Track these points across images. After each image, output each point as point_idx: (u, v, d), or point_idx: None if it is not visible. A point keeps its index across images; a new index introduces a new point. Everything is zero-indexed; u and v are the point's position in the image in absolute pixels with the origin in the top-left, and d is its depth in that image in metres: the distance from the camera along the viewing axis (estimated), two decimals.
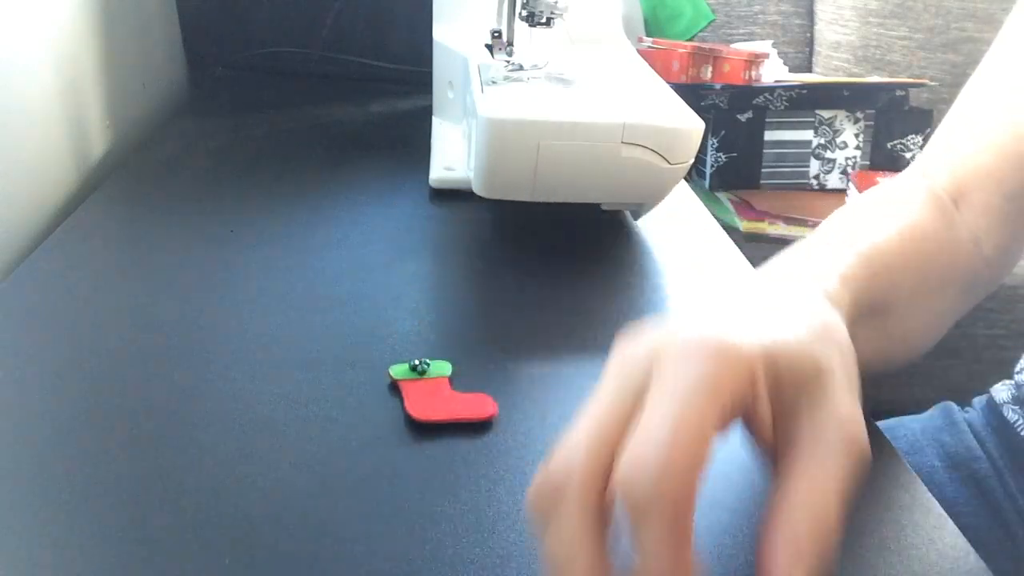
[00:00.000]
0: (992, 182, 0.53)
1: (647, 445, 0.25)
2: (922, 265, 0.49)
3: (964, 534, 0.42)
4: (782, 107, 1.17)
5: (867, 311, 0.42)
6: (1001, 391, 0.67)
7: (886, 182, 0.56)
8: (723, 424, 0.27)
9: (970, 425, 0.67)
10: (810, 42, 1.63)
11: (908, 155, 1.28)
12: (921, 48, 1.49)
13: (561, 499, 0.27)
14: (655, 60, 1.11)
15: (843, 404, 0.29)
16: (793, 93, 1.17)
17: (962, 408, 0.70)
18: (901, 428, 0.70)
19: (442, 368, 0.50)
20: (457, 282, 0.63)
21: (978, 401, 0.70)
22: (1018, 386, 0.65)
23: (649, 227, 0.73)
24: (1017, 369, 0.66)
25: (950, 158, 0.55)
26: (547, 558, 0.27)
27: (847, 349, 0.33)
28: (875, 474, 0.34)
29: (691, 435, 0.25)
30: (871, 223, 0.48)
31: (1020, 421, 0.64)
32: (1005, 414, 0.65)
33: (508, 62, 0.72)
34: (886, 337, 0.46)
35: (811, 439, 0.29)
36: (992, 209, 0.53)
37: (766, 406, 0.30)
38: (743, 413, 0.29)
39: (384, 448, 0.45)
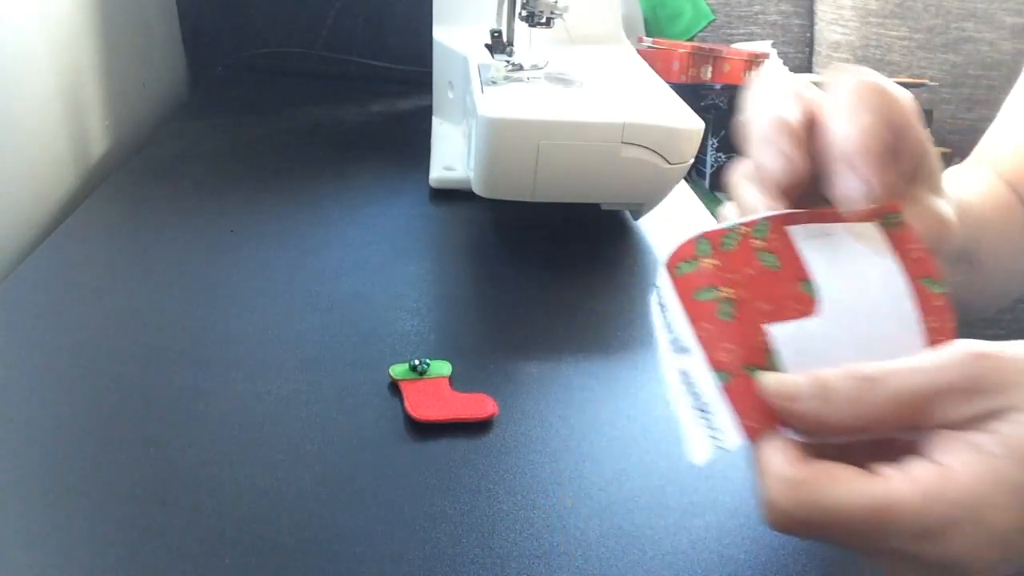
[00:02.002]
0: None
1: None
2: (1000, 226, 0.49)
3: None
4: None
5: (954, 256, 0.41)
6: None
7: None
8: None
9: None
10: (810, 42, 1.62)
11: None
12: (921, 48, 1.49)
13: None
14: (655, 60, 1.11)
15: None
16: None
17: None
18: None
19: (442, 368, 0.50)
20: (457, 282, 0.63)
21: None
22: None
23: (649, 227, 0.73)
24: None
25: (1013, 150, 0.55)
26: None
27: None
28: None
29: None
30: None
31: None
32: None
33: (508, 62, 0.72)
34: (970, 286, 0.46)
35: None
36: None
37: None
38: None
39: (384, 448, 0.45)
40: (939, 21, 1.47)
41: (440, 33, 0.86)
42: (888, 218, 0.32)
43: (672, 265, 0.32)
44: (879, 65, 1.53)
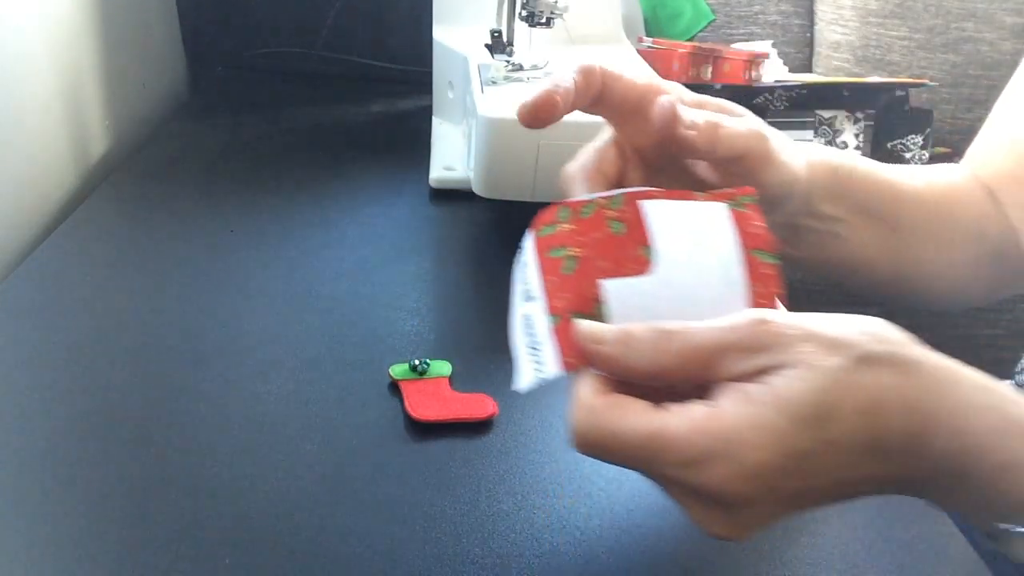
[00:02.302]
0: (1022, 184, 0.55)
1: None
2: (938, 208, 0.53)
3: (965, 535, 0.42)
4: (782, 107, 1.17)
5: (859, 209, 0.49)
6: None
7: None
8: None
9: None
10: (810, 42, 1.63)
11: (908, 155, 1.28)
12: (921, 48, 1.49)
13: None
14: (655, 60, 1.11)
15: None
16: (793, 93, 1.17)
17: None
18: None
19: (442, 368, 0.50)
20: (457, 282, 0.63)
21: None
22: (1018, 386, 0.65)
23: None
24: (1017, 369, 0.66)
25: (992, 154, 0.57)
26: None
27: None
28: None
29: None
30: (898, 168, 0.53)
31: None
32: None
33: (508, 62, 0.72)
34: (894, 250, 0.51)
35: None
36: None
37: None
38: None
39: (384, 448, 0.45)
40: (939, 21, 1.47)
41: (440, 33, 0.86)
42: (739, 200, 0.36)
43: (536, 227, 0.37)
44: (879, 65, 1.53)
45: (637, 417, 0.30)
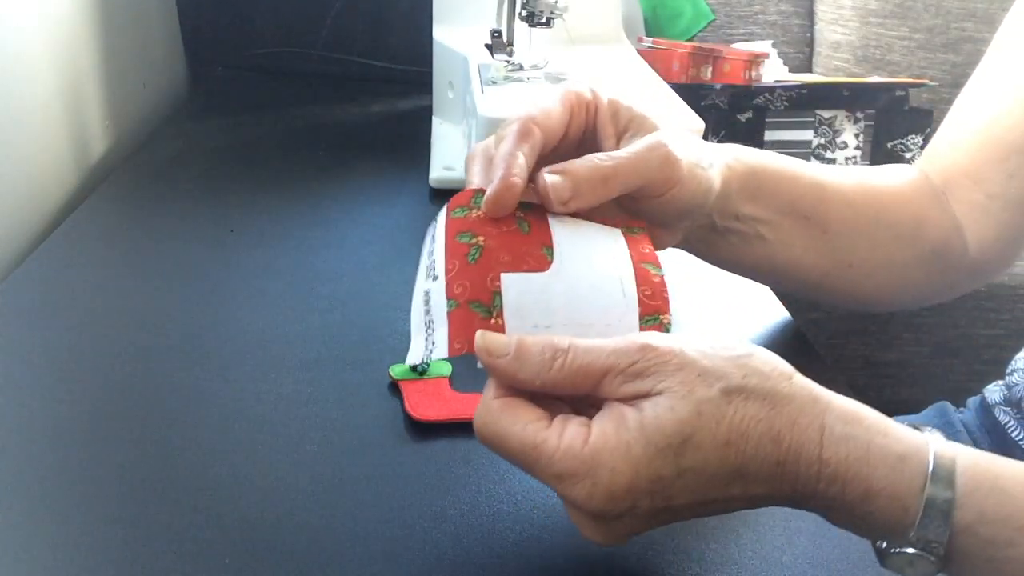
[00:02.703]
0: (972, 182, 0.55)
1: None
2: (870, 209, 0.53)
3: None
4: (782, 107, 1.17)
5: (785, 210, 0.50)
6: (994, 392, 0.66)
7: None
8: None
9: (965, 425, 0.67)
10: (810, 42, 1.63)
11: (908, 155, 1.28)
12: (921, 48, 1.49)
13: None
14: (655, 60, 1.11)
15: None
16: (793, 93, 1.17)
17: (957, 409, 0.70)
18: None
19: (442, 368, 0.50)
20: None
21: (972, 402, 0.69)
22: (1008, 387, 0.65)
23: None
24: (1008, 370, 0.66)
25: (942, 153, 0.58)
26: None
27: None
28: None
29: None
30: (828, 168, 0.54)
31: (1011, 423, 0.64)
32: (997, 415, 0.65)
33: (508, 62, 0.72)
34: (823, 251, 0.52)
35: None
36: (975, 205, 0.55)
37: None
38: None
39: (384, 448, 0.45)
40: (939, 21, 1.47)
41: (440, 33, 0.86)
42: (632, 228, 0.40)
43: (450, 207, 0.39)
44: (879, 65, 1.53)
45: (523, 427, 0.33)
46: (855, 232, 0.53)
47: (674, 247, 0.48)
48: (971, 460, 0.33)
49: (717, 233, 0.49)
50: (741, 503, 0.34)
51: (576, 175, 0.38)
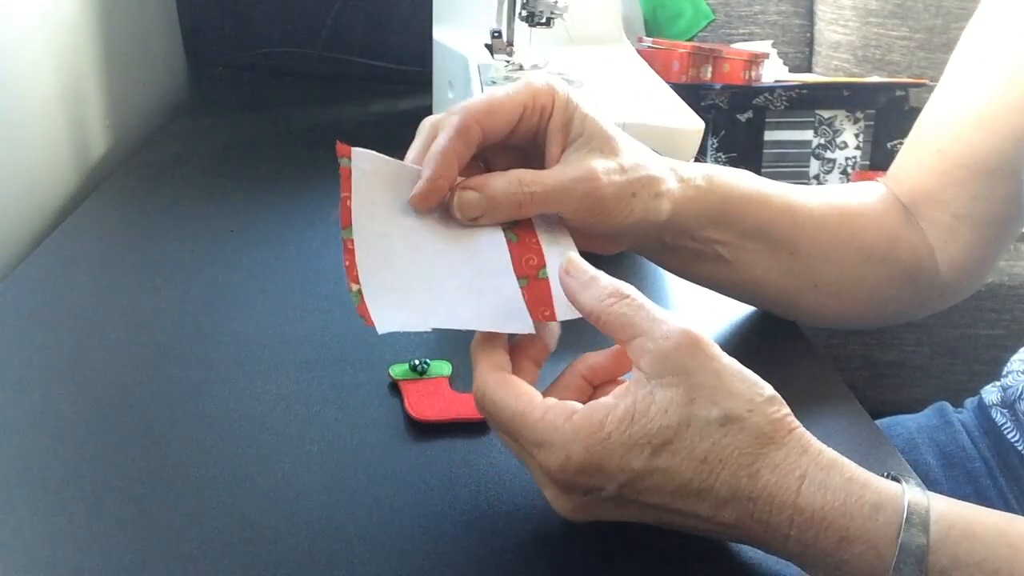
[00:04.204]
0: (937, 203, 0.55)
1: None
2: (839, 230, 0.53)
3: None
4: (782, 107, 1.17)
5: (752, 234, 0.50)
6: (991, 393, 0.67)
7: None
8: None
9: (964, 426, 0.67)
10: (810, 42, 1.63)
11: None
12: (921, 48, 1.49)
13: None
14: (655, 60, 1.11)
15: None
16: (793, 93, 1.17)
17: (956, 409, 0.70)
18: (897, 427, 0.70)
19: (442, 368, 0.50)
20: None
21: (970, 402, 0.70)
22: (1004, 389, 0.65)
23: None
24: (1004, 372, 0.66)
25: (908, 172, 0.57)
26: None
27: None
28: (873, 469, 0.35)
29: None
30: (799, 189, 0.54)
31: (1007, 423, 0.64)
32: (993, 416, 0.65)
33: (508, 62, 0.72)
34: (790, 272, 0.52)
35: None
36: (942, 225, 0.55)
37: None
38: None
39: (384, 448, 0.45)
40: (939, 21, 1.48)
41: (440, 33, 0.86)
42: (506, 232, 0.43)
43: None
44: (879, 65, 1.53)
45: (516, 396, 0.36)
46: (826, 254, 0.53)
47: (625, 251, 0.49)
48: (945, 507, 0.34)
49: (668, 249, 0.49)
50: (711, 525, 0.35)
51: (492, 196, 0.40)
